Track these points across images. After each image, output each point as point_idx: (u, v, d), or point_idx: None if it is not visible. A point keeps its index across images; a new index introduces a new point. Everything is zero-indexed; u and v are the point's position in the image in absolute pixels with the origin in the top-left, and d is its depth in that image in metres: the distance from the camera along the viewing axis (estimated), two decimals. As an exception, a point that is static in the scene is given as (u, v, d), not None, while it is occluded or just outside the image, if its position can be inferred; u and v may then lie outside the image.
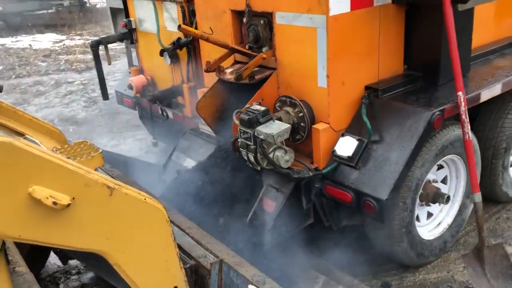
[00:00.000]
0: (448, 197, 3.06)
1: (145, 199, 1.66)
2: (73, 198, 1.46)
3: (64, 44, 12.06)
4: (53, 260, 3.46)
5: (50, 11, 15.52)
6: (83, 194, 1.49)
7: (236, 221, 2.92)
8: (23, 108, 2.82)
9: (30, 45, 12.06)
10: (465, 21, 3.05)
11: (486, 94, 3.07)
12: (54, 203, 1.40)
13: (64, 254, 3.06)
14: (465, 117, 2.75)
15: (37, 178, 1.40)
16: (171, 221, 1.95)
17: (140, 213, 1.67)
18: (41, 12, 15.33)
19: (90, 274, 3.37)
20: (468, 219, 3.33)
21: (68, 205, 1.44)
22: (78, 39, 12.67)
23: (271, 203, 2.90)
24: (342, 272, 2.93)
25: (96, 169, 2.33)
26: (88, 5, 17.10)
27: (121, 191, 1.58)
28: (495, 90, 3.13)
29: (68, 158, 2.21)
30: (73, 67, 9.63)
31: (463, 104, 2.74)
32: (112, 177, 2.68)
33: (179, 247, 2.04)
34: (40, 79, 8.88)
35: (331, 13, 2.59)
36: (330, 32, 2.62)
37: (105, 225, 1.58)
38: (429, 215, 3.23)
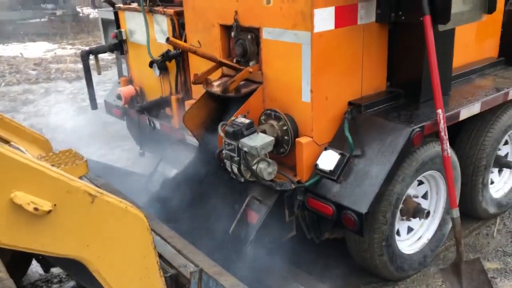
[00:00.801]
0: (428, 212, 3.12)
1: (126, 207, 1.69)
2: (55, 205, 1.49)
3: (55, 53, 12.07)
4: (35, 268, 3.44)
5: (42, 19, 15.57)
6: (64, 200, 1.52)
7: (219, 231, 2.95)
8: (11, 116, 2.84)
9: (21, 53, 12.04)
10: (446, 41, 3.15)
11: (465, 113, 3.16)
12: (35, 209, 1.43)
13: (47, 262, 3.05)
14: (444, 134, 2.82)
15: (19, 184, 1.43)
16: (153, 230, 1.98)
17: (121, 221, 1.70)
18: (34, 20, 15.38)
19: (71, 283, 3.36)
20: (448, 234, 3.39)
21: (49, 211, 1.46)
22: (70, 49, 12.70)
23: (254, 214, 2.94)
24: (323, 284, 2.96)
25: (80, 178, 2.36)
26: (81, 15, 17.18)
27: (103, 199, 1.61)
28: (474, 108, 3.22)
29: (53, 165, 2.24)
30: (63, 76, 9.63)
31: (442, 121, 2.80)
32: (97, 186, 2.71)
33: (160, 256, 2.06)
34: (30, 87, 8.87)
35: (316, 30, 2.66)
36: (314, 49, 2.69)
37: (86, 232, 1.61)
38: (410, 229, 3.28)
